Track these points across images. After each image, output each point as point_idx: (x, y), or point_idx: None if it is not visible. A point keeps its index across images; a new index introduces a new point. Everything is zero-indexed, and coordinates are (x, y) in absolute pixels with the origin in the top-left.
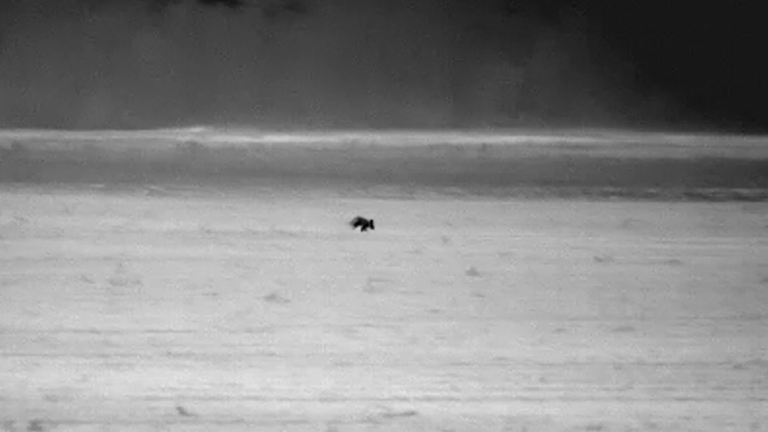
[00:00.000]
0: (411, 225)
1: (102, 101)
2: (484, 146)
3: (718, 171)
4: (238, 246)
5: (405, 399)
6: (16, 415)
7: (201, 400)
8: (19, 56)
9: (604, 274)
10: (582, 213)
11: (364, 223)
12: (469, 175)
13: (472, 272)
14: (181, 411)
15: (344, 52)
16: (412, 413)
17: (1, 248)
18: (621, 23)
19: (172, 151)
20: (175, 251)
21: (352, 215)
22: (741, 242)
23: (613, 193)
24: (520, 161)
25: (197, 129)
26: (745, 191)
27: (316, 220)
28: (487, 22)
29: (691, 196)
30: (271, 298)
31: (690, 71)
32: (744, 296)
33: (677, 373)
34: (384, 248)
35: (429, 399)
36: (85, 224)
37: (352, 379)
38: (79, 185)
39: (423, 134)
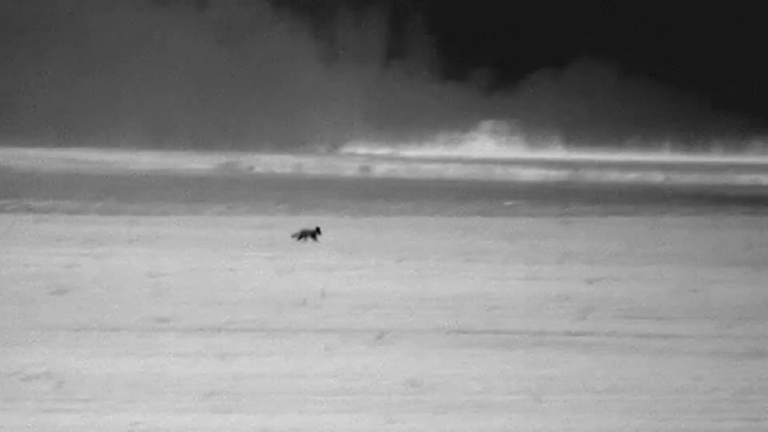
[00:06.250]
0: None
1: None
2: None
3: (7, 183)
4: None
5: None
6: None
7: None
8: None
9: None
10: None
11: (308, 233)
12: None
13: None
14: None
15: None
16: None
17: None
18: None
19: None
20: None
21: None
22: (34, 254)
23: None
24: None
25: None
26: (36, 203)
27: None
28: None
29: None
30: None
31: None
32: (35, 307)
33: None
34: None
35: None
36: None
37: None
38: None
39: None
